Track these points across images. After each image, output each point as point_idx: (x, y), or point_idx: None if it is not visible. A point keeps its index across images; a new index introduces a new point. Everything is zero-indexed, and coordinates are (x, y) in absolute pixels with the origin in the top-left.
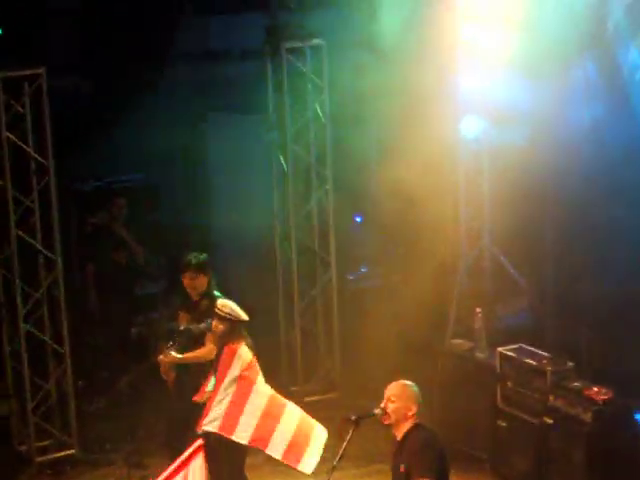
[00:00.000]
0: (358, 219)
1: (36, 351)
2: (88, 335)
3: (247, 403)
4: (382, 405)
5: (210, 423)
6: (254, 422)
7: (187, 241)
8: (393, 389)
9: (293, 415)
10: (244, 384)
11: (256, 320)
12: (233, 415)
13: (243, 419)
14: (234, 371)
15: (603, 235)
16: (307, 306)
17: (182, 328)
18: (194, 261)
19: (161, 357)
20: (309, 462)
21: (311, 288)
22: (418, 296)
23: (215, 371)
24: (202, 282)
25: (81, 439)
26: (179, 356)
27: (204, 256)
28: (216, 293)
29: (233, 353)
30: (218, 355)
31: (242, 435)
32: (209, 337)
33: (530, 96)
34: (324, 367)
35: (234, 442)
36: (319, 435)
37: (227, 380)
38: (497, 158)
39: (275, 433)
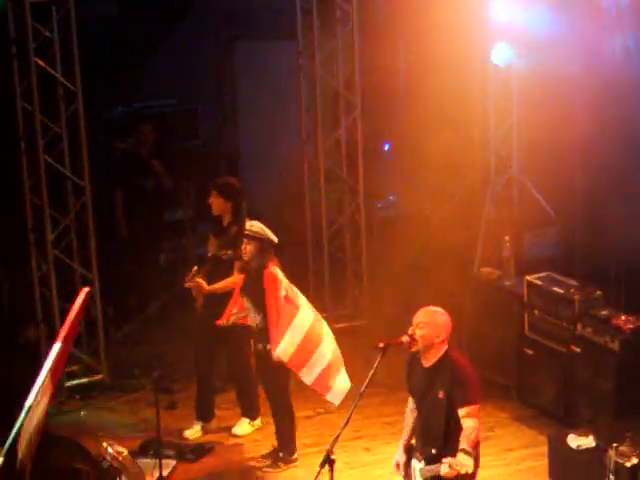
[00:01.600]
0: (386, 147)
1: (64, 277)
2: (117, 261)
3: (293, 322)
4: (410, 332)
5: (282, 355)
6: (297, 341)
7: (216, 167)
8: (421, 316)
9: (330, 345)
10: (289, 305)
11: (284, 248)
12: (280, 332)
13: (287, 337)
14: (280, 293)
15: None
16: (335, 234)
17: (210, 255)
18: (218, 182)
19: (188, 284)
20: (337, 394)
21: (339, 216)
22: (447, 224)
23: (248, 295)
24: (222, 204)
25: (110, 365)
26: (206, 287)
27: (230, 180)
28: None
29: (274, 277)
30: (252, 278)
31: (284, 352)
32: (237, 265)
33: (560, 24)
34: (352, 295)
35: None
36: (346, 376)
37: (281, 305)
38: (527, 86)
39: (312, 359)
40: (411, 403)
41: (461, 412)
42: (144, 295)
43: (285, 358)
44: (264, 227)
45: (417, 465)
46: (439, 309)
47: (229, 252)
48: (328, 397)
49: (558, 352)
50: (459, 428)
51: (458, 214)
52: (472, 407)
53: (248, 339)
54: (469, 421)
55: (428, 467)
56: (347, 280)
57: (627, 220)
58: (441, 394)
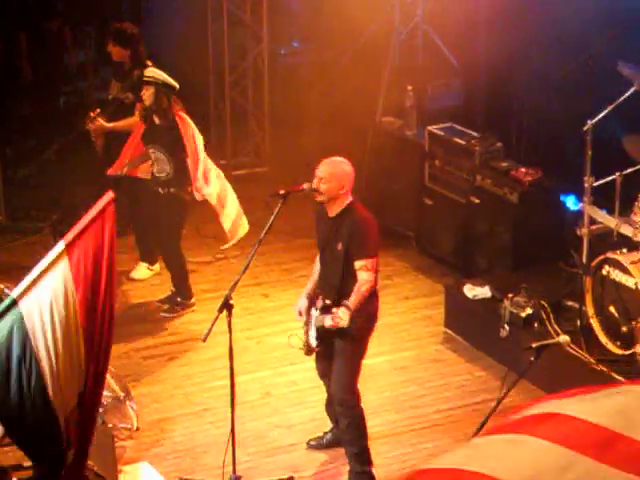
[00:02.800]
0: None
1: None
2: (17, 103)
3: (214, 167)
4: (314, 184)
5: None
6: (218, 185)
7: (119, 9)
8: (325, 167)
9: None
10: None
11: (186, 90)
12: (204, 176)
13: (213, 181)
14: (196, 135)
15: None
16: (237, 79)
17: (111, 97)
18: (113, 30)
19: (89, 125)
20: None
21: (242, 62)
22: (349, 74)
23: (155, 143)
24: (120, 52)
25: (7, 207)
26: (107, 125)
27: (125, 26)
28: (148, 63)
29: (187, 122)
30: (160, 126)
31: (211, 196)
32: (139, 107)
33: None
34: (253, 141)
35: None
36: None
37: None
38: None
39: (227, 203)
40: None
41: (357, 264)
42: (43, 138)
43: (213, 201)
44: (161, 72)
45: (314, 313)
46: (342, 159)
47: (130, 95)
48: (231, 242)
49: (457, 203)
50: (354, 281)
51: (362, 62)
52: (368, 260)
53: (144, 188)
54: (363, 274)
55: (320, 316)
56: (249, 127)
57: (530, 75)
58: (340, 246)
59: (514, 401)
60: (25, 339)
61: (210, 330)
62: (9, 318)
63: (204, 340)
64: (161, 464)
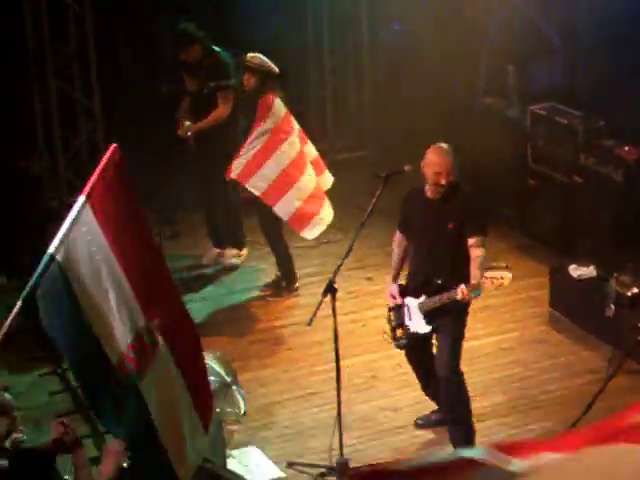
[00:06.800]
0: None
1: (66, 108)
2: (118, 93)
3: (271, 157)
4: (433, 171)
5: (234, 171)
6: (273, 177)
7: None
8: (432, 154)
9: (311, 180)
10: (274, 139)
11: (287, 77)
12: (254, 165)
13: (262, 171)
14: (267, 124)
15: None
16: (339, 63)
17: (190, 91)
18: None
19: (180, 133)
20: (312, 230)
21: (343, 43)
22: (449, 55)
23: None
24: (191, 53)
25: None
26: (198, 125)
27: (188, 26)
28: (216, 49)
29: (268, 107)
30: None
31: (257, 185)
32: (221, 96)
33: None
34: (355, 125)
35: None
36: (329, 208)
37: (258, 131)
38: None
39: (288, 194)
40: (399, 237)
41: (471, 241)
42: (146, 124)
43: (258, 191)
44: (265, 59)
45: (413, 302)
46: (444, 144)
47: (211, 85)
48: (303, 234)
49: (561, 182)
50: (464, 258)
51: (461, 44)
52: (482, 237)
53: None
54: (478, 250)
55: (431, 298)
56: (350, 110)
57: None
58: (451, 225)
59: (620, 382)
60: (68, 285)
61: (315, 314)
62: (51, 270)
63: (309, 324)
64: (269, 448)
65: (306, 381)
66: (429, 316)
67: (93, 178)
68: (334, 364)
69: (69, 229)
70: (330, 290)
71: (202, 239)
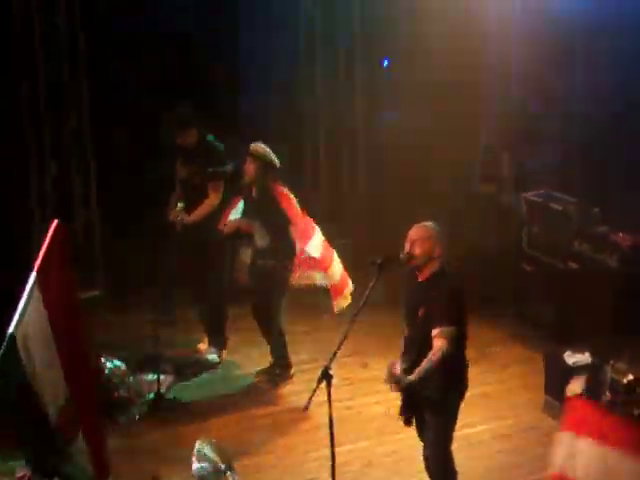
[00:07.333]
0: (385, 63)
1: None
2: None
3: (314, 234)
4: (407, 249)
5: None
6: (321, 244)
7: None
8: (417, 231)
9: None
10: (305, 219)
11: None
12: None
13: (316, 239)
14: (297, 206)
15: None
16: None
17: (180, 180)
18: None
19: (174, 219)
20: (341, 303)
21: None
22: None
23: (260, 217)
24: (187, 136)
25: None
26: (191, 217)
27: (184, 107)
28: (210, 137)
29: (287, 195)
30: (257, 200)
31: (314, 249)
32: (212, 185)
33: None
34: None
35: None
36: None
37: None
38: None
39: (334, 262)
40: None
41: (434, 331)
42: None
43: (317, 253)
44: (267, 148)
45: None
46: (431, 223)
47: (210, 170)
48: (337, 302)
49: (556, 268)
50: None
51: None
52: (446, 328)
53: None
54: (438, 341)
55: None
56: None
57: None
58: (421, 312)
59: None
60: (18, 359)
61: (311, 400)
62: (8, 347)
63: (305, 410)
64: None
65: (302, 468)
66: (416, 405)
67: (41, 254)
68: (330, 450)
69: (25, 304)
70: (326, 377)
71: (196, 325)
